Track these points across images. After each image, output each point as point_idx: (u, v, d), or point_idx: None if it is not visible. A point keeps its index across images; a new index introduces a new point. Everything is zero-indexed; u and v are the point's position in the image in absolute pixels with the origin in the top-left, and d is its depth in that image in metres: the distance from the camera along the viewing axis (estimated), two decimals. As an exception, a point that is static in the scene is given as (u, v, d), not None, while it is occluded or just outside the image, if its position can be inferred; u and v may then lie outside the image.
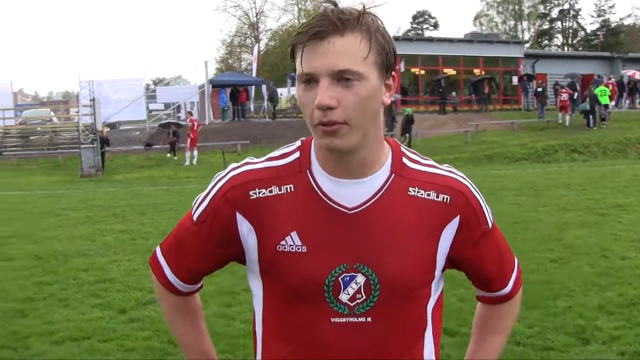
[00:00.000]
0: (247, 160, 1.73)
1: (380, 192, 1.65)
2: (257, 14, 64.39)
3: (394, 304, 1.65)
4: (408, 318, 1.68)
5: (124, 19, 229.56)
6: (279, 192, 1.66)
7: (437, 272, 1.72)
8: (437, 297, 1.76)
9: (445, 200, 1.68)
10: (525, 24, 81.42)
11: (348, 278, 1.63)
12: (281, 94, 45.40)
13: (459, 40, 44.11)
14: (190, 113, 33.31)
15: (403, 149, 1.74)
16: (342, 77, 1.52)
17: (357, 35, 1.54)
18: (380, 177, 1.66)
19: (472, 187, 1.74)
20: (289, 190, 1.66)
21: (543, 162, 25.82)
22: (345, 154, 1.59)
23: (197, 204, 1.73)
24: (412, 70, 42.85)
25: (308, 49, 1.53)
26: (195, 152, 28.98)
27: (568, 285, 7.35)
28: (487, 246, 1.77)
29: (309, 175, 1.67)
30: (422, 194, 1.67)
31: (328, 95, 1.51)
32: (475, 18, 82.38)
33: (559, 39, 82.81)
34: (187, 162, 28.65)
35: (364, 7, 1.59)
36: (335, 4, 1.56)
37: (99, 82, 33.29)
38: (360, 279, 1.63)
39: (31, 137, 38.12)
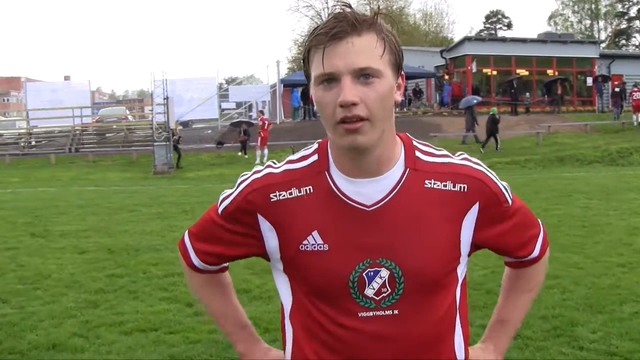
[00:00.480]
0: (269, 163, 1.81)
1: (397, 188, 1.70)
2: (329, 14, 64.33)
3: (420, 295, 1.70)
4: (436, 306, 1.73)
5: (198, 19, 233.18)
6: (298, 194, 1.72)
7: (463, 259, 1.77)
8: (462, 278, 1.81)
9: (462, 189, 1.72)
10: (601, 23, 79.50)
11: (372, 273, 1.68)
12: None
13: (532, 41, 43.39)
14: (261, 112, 33.53)
15: (415, 143, 1.78)
16: (363, 75, 1.59)
17: (373, 35, 1.61)
18: (395, 173, 1.71)
19: (488, 171, 1.78)
20: (308, 192, 1.72)
21: (617, 165, 25.21)
22: (364, 151, 1.64)
23: (222, 198, 1.82)
24: (484, 70, 42.36)
25: (328, 50, 1.59)
26: (266, 151, 29.16)
27: (636, 290, 7.19)
28: (511, 223, 1.81)
29: (327, 176, 1.72)
30: (438, 185, 1.72)
31: (352, 92, 1.57)
32: (550, 17, 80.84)
33: (637, 39, 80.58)
34: (258, 161, 28.78)
35: (379, 7, 1.66)
36: (350, 6, 1.63)
37: (172, 81, 33.84)
38: (385, 273, 1.68)
39: (107, 135, 39.07)
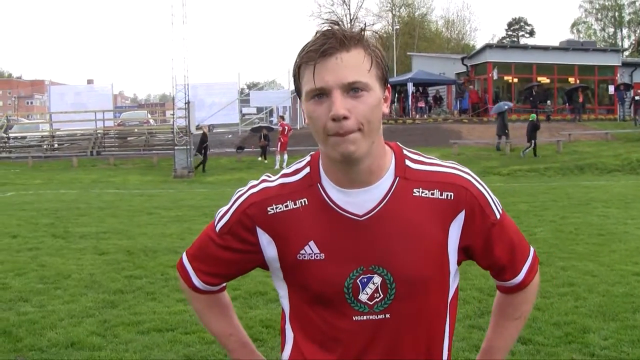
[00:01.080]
0: (264, 177, 1.89)
1: (387, 197, 1.77)
2: (351, 20, 64.35)
3: (411, 300, 1.78)
4: (427, 312, 1.81)
5: (220, 24, 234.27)
6: (294, 207, 1.81)
7: (452, 266, 1.84)
8: (454, 290, 1.89)
9: (449, 197, 1.79)
10: (625, 31, 79.05)
11: (365, 279, 1.77)
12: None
13: (554, 48, 43.21)
14: (282, 117, 33.53)
15: (405, 152, 1.85)
16: (352, 89, 1.66)
17: (360, 51, 1.69)
18: (385, 182, 1.78)
19: (476, 181, 1.84)
20: (303, 204, 1.80)
21: (637, 174, 25.02)
22: (355, 162, 1.71)
23: (219, 216, 1.90)
24: (505, 78, 42.25)
25: (319, 66, 1.66)
26: (286, 156, 29.17)
27: (649, 299, 7.21)
28: (496, 237, 1.85)
29: (320, 188, 1.80)
30: (426, 194, 1.78)
31: (342, 106, 1.65)
32: (573, 25, 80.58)
33: (661, 47, 79.84)
34: (277, 166, 28.89)
35: (365, 24, 1.74)
36: (338, 23, 1.71)
37: (194, 86, 33.97)
38: (377, 279, 1.77)
39: (128, 138, 39.30)
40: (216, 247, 1.91)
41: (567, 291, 7.50)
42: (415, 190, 1.79)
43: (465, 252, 1.86)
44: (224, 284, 2.04)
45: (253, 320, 6.51)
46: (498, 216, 1.85)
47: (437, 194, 1.79)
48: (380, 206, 1.77)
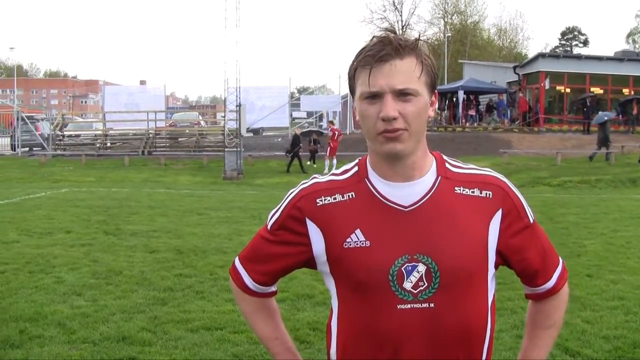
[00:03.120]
0: (314, 176, 2.02)
1: (431, 192, 1.89)
2: (403, 26, 64.44)
3: (454, 291, 1.85)
4: (469, 305, 1.88)
5: (272, 29, 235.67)
6: (342, 199, 1.92)
7: (491, 266, 1.92)
8: (492, 295, 1.96)
9: (488, 195, 1.91)
10: (684, 42, 77.41)
11: (410, 267, 1.84)
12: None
13: (608, 58, 42.43)
14: (331, 122, 33.55)
15: (445, 158, 1.99)
16: (402, 93, 1.79)
17: (413, 59, 1.81)
18: (428, 179, 1.91)
19: (511, 184, 1.97)
20: (351, 197, 1.92)
21: (692, 189, 24.45)
22: (400, 157, 1.84)
23: (270, 215, 2.03)
24: (557, 88, 41.67)
25: (374, 70, 1.79)
26: (335, 161, 29.15)
27: (702, 315, 7.08)
28: (529, 239, 1.96)
29: (367, 182, 1.92)
30: (467, 192, 1.91)
31: (392, 108, 1.78)
32: (629, 35, 79.27)
33: None
34: (326, 170, 28.79)
35: (419, 34, 1.91)
36: (395, 32, 1.83)
37: (245, 89, 34.17)
38: (422, 267, 1.84)
39: (179, 139, 39.75)
40: (268, 244, 2.01)
41: (617, 305, 7.40)
42: (456, 188, 1.92)
43: (500, 256, 1.94)
44: (273, 289, 2.13)
45: (300, 322, 6.58)
46: (531, 220, 1.97)
47: (477, 192, 1.92)
48: (425, 199, 1.89)
